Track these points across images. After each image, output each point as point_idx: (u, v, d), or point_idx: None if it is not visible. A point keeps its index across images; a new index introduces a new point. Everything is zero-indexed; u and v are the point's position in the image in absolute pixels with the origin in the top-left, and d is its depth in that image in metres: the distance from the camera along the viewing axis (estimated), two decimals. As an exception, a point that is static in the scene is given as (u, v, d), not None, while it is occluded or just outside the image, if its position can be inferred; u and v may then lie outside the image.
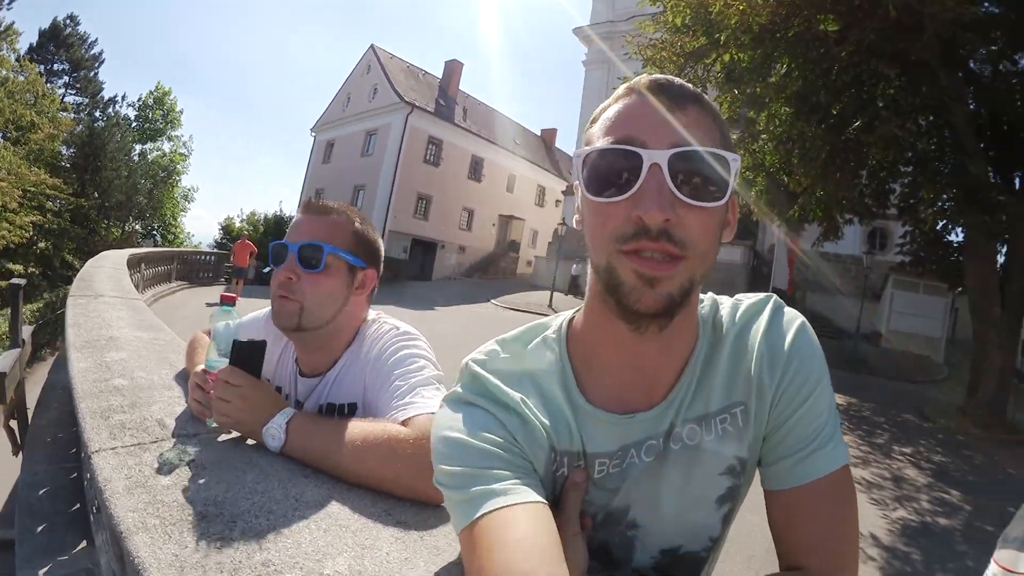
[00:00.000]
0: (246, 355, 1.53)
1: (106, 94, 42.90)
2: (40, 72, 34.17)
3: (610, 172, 0.89)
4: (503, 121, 53.29)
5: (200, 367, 1.65)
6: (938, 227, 17.05)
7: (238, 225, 45.37)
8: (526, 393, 1.03)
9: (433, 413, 1.32)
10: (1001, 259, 15.42)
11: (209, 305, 18.51)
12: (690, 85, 0.95)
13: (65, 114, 34.35)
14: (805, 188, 14.47)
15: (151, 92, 46.80)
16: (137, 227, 41.40)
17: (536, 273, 42.59)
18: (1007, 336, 14.76)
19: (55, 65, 41.66)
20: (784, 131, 13.30)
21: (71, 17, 43.16)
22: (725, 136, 0.95)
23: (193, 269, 24.61)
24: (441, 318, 24.03)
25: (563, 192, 46.10)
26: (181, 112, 48.01)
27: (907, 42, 11.63)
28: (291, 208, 50.59)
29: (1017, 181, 14.86)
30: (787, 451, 1.01)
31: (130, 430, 1.54)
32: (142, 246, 30.61)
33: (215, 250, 31.45)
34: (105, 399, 1.76)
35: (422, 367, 1.67)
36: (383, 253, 1.96)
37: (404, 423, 1.45)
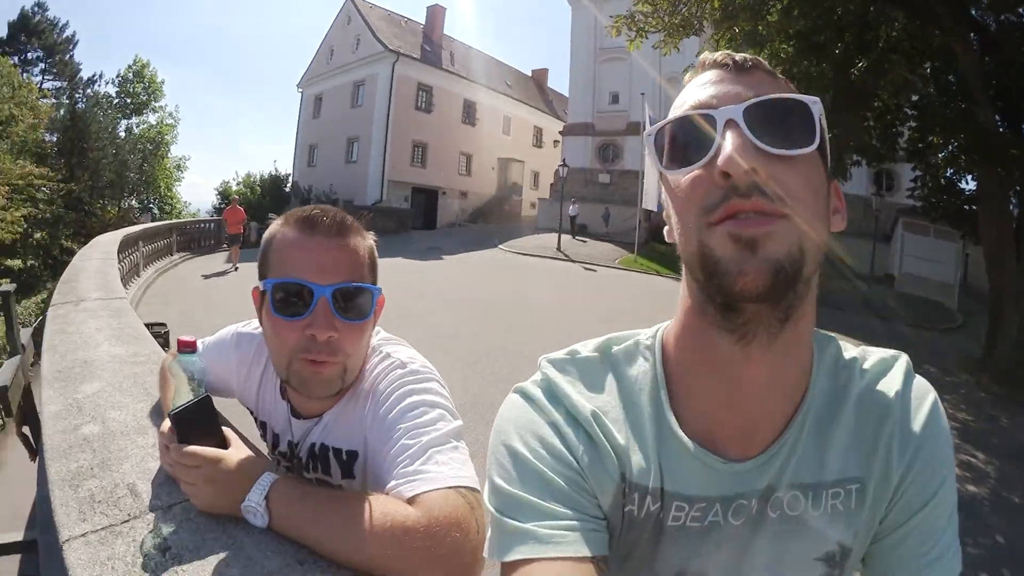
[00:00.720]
0: (192, 423, 1.23)
1: (84, 74, 42.53)
2: (14, 63, 33.49)
3: (685, 143, 0.81)
4: (492, 63, 52.96)
5: (166, 423, 1.30)
6: (949, 174, 16.74)
7: (234, 188, 45.38)
8: (604, 405, 0.92)
9: (450, 488, 1.16)
10: (1015, 210, 14.96)
11: (206, 277, 18.21)
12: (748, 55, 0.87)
13: (45, 100, 33.78)
14: (811, 129, 14.21)
15: (129, 67, 45.95)
16: (133, 203, 41.03)
17: (540, 215, 42.89)
18: (1025, 288, 14.38)
19: (29, 54, 41.11)
20: (786, 70, 12.73)
21: (39, 4, 42.34)
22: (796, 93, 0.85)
23: (193, 238, 24.62)
24: (451, 267, 23.82)
25: (560, 132, 45.80)
26: (162, 83, 47.36)
27: None
28: (286, 166, 50.97)
29: None
30: (905, 558, 0.89)
31: (101, 504, 1.32)
32: (141, 221, 30.26)
33: (214, 217, 31.16)
34: (74, 458, 1.53)
35: (435, 420, 1.31)
36: None
37: (411, 501, 1.15)
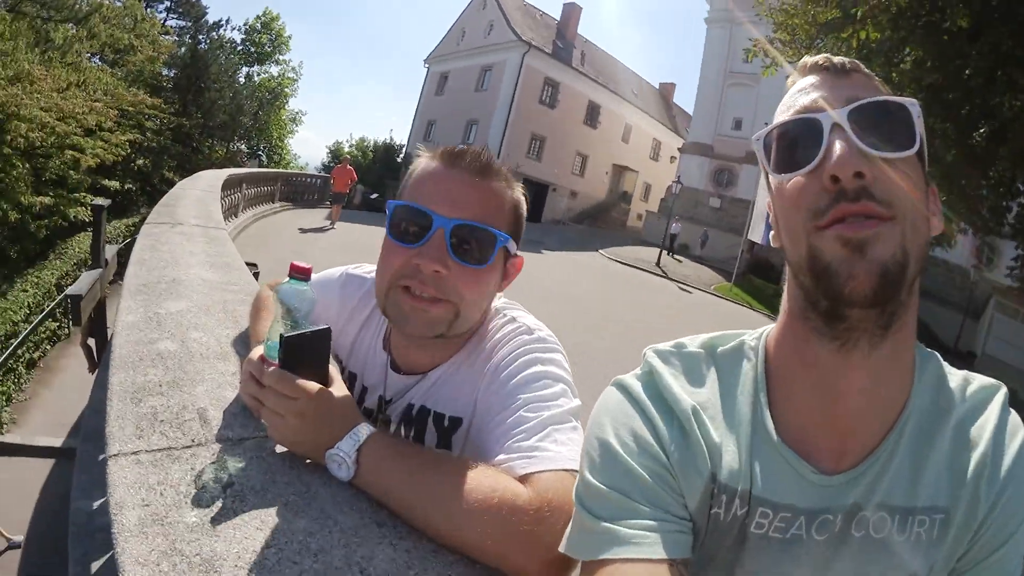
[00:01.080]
0: (302, 353, 1.10)
1: (210, 19, 42.83)
2: (138, -2, 34.39)
3: (793, 147, 0.83)
4: (621, 69, 52.91)
5: (258, 351, 1.21)
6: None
7: (347, 150, 46.49)
8: (704, 401, 0.91)
9: (566, 470, 1.04)
10: None
11: (303, 231, 18.20)
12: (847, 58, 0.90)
13: (167, 37, 34.67)
14: (929, 190, 14.00)
15: (258, 17, 46.73)
16: (242, 147, 41.80)
17: (646, 228, 42.98)
18: None
19: (154, -9, 41.88)
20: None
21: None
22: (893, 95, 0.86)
23: (298, 191, 24.58)
24: (548, 263, 23.63)
25: (679, 149, 45.55)
26: (289, 38, 47.97)
27: None
28: (401, 136, 51.62)
29: None
30: None
31: (163, 424, 1.22)
32: (247, 165, 30.85)
33: (322, 173, 31.36)
34: (143, 372, 1.44)
35: (558, 395, 1.19)
36: None
37: (523, 479, 1.03)
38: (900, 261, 0.76)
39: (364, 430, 1.07)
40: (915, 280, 0.80)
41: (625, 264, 29.18)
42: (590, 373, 9.55)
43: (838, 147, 0.77)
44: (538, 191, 44.14)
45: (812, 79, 0.88)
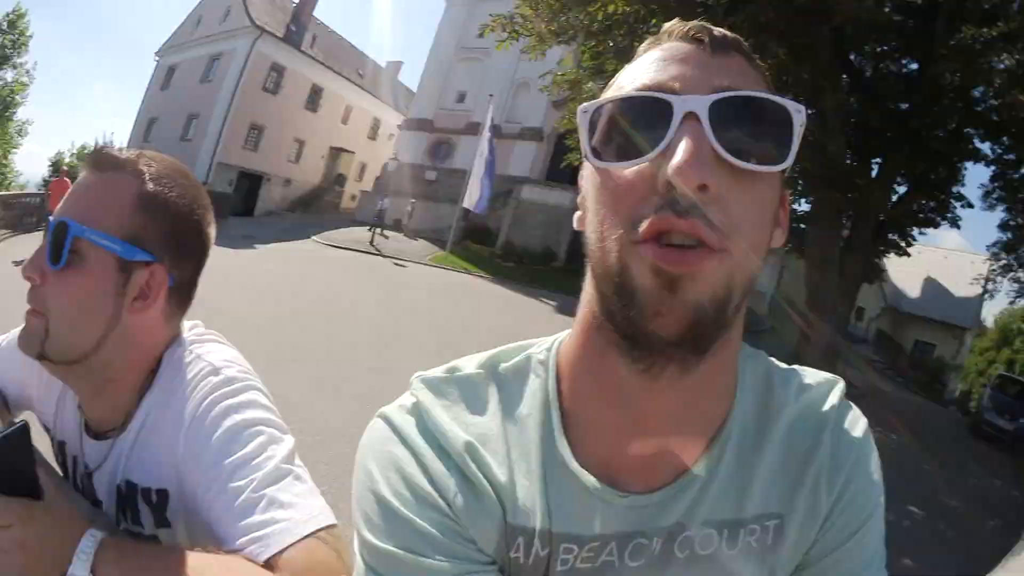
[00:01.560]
0: (2, 464, 0.83)
1: None
2: None
3: (627, 131, 0.65)
4: (348, 50, 50.77)
5: None
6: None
7: (67, 160, 41.28)
8: (484, 434, 0.76)
9: (309, 535, 0.94)
10: (845, 232, 16.50)
11: (16, 264, 15.03)
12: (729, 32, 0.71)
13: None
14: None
15: (7, 15, 39.16)
16: (-37, 170, 35.81)
17: (360, 208, 40.82)
18: (842, 302, 16.10)
19: None
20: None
21: None
22: (774, 92, 0.68)
23: (18, 214, 21.12)
24: (260, 259, 22.12)
25: (398, 126, 45.03)
26: (31, 37, 40.48)
27: (803, 26, 11.58)
28: (123, 140, 46.48)
29: (875, 168, 16.08)
30: None
31: None
32: (-32, 190, 27.13)
33: (42, 191, 27.29)
34: None
35: (264, 446, 1.03)
36: (207, 232, 1.20)
37: (269, 564, 0.90)
38: (720, 298, 0.61)
39: (90, 542, 0.85)
40: (740, 306, 0.66)
41: (339, 247, 28.34)
42: (312, 372, 8.93)
43: (685, 145, 0.59)
44: (252, 183, 41.68)
45: (675, 49, 0.68)
